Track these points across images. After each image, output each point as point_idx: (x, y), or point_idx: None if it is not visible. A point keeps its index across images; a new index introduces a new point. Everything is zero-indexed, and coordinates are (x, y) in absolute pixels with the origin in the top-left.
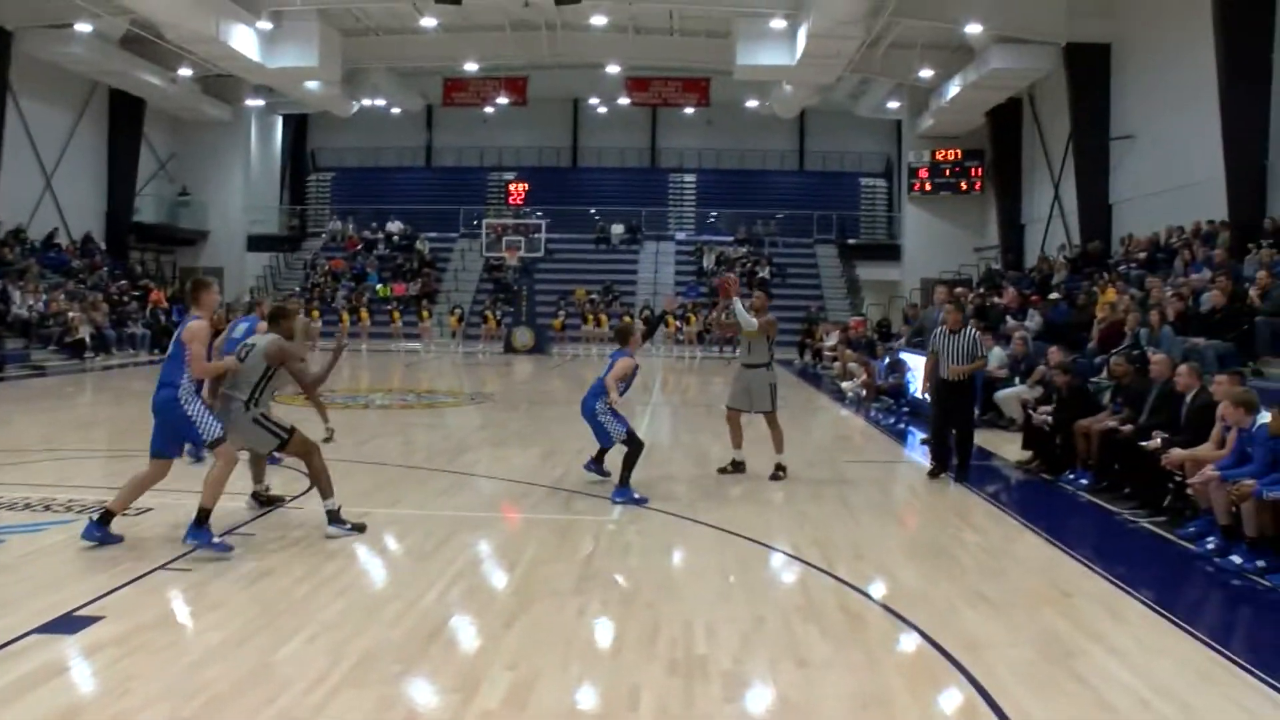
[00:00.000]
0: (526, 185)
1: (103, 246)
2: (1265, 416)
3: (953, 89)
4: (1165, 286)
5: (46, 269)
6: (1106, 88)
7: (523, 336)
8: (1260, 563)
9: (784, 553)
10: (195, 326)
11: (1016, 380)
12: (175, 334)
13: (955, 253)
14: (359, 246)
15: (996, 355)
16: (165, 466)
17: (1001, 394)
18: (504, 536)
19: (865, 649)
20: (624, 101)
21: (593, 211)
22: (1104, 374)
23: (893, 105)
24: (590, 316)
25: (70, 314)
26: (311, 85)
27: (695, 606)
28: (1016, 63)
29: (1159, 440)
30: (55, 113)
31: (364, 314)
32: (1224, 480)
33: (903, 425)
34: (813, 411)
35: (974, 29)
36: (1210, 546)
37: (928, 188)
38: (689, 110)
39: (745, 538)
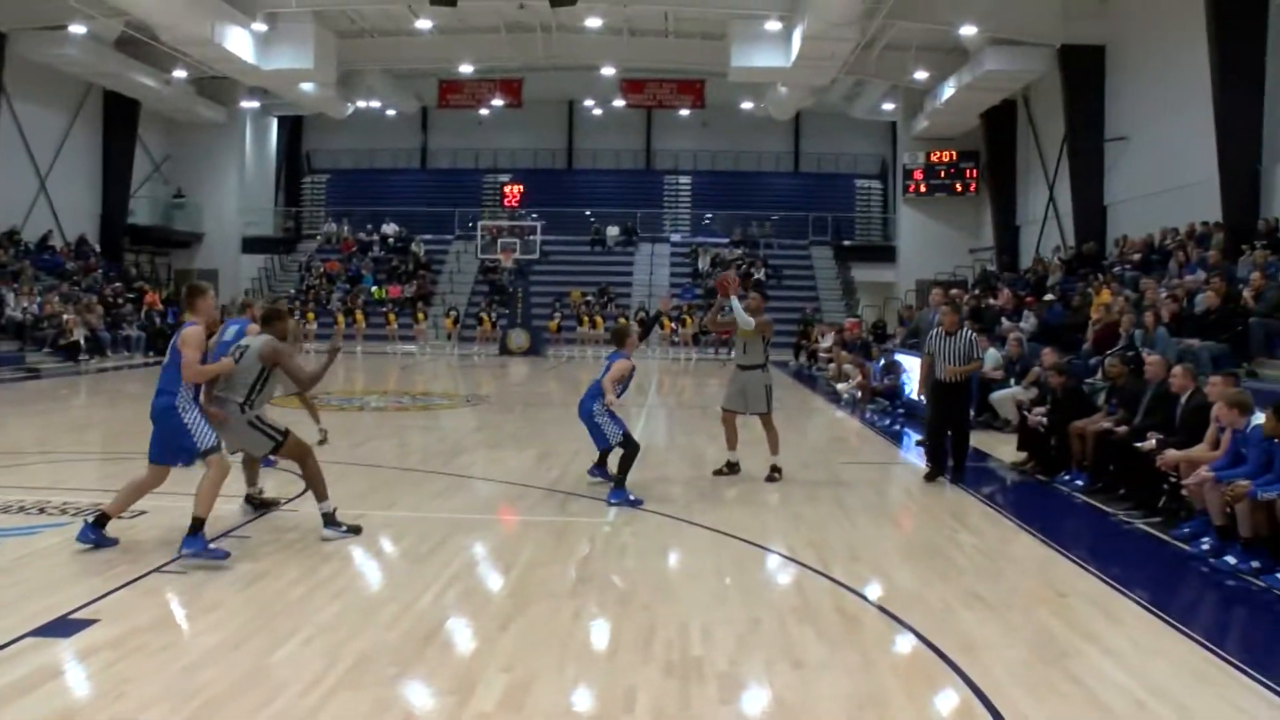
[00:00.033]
0: (522, 187)
1: (97, 248)
2: (1259, 417)
3: (947, 91)
4: (1160, 288)
5: (41, 271)
6: (1101, 89)
7: (518, 338)
8: (1255, 563)
9: (780, 554)
10: (189, 332)
11: (1012, 381)
12: (172, 340)
13: (950, 254)
14: (354, 248)
15: (992, 357)
16: (163, 473)
17: (997, 395)
18: (500, 538)
19: (861, 650)
20: (619, 103)
21: (588, 213)
22: (1099, 375)
23: (888, 107)
24: (586, 318)
25: (65, 316)
26: (306, 87)
27: (691, 608)
28: (1011, 64)
29: (1154, 441)
30: (50, 114)
31: (359, 316)
32: (1219, 481)
33: (898, 427)
34: (808, 413)
35: (969, 31)
36: (1205, 547)
37: (923, 189)
38: (684, 112)
39: (741, 539)
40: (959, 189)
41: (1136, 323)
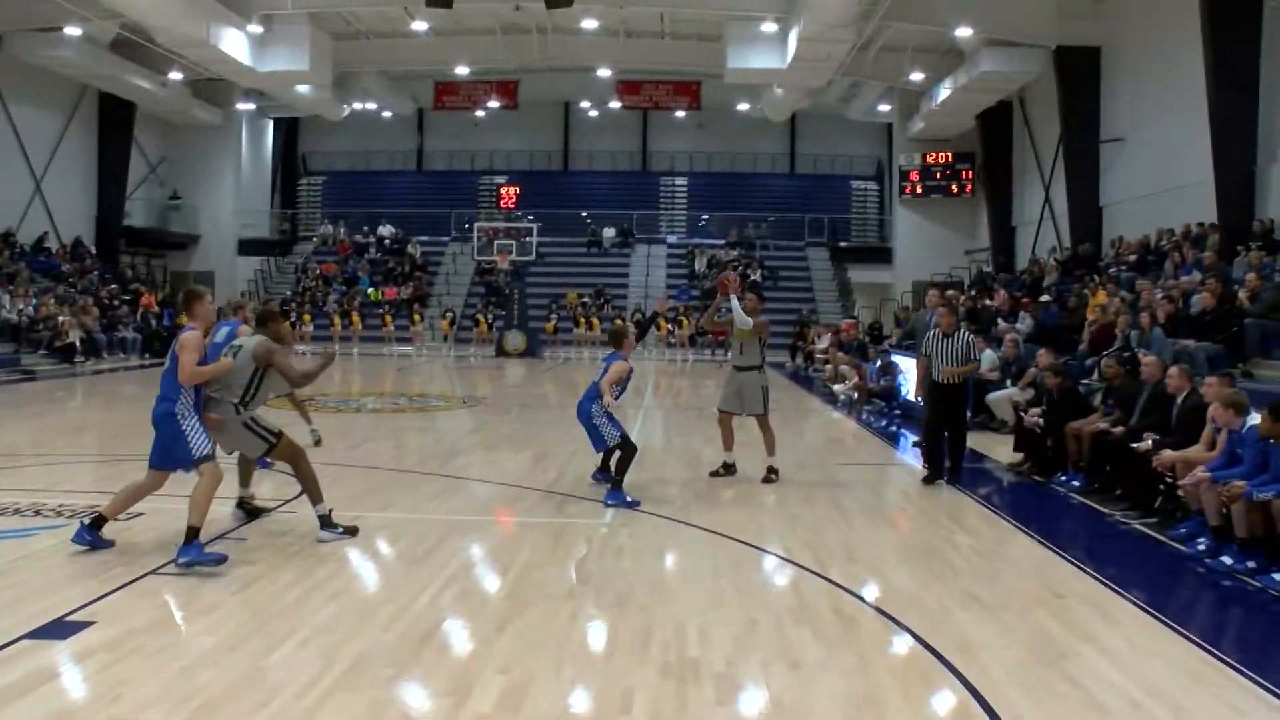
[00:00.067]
0: (518, 189)
1: (93, 250)
2: (1255, 418)
3: (943, 92)
4: (1155, 289)
5: (36, 273)
6: (1096, 91)
7: (514, 340)
8: (1251, 563)
9: (776, 555)
10: (187, 336)
11: (1008, 382)
12: (171, 346)
13: (946, 255)
14: (350, 250)
15: (988, 358)
16: (162, 478)
17: (993, 396)
18: (497, 540)
19: (858, 651)
20: (615, 105)
21: (584, 215)
22: (1095, 376)
23: (883, 108)
24: (582, 320)
25: (60, 318)
26: (302, 89)
27: (688, 609)
28: (1007, 66)
29: (1150, 442)
30: (45, 116)
31: (355, 318)
32: (1214, 481)
33: (894, 428)
34: (804, 414)
35: (964, 32)
36: (1201, 548)
37: (919, 190)
38: (680, 113)
39: (738, 541)
40: (955, 190)
41: (1132, 324)
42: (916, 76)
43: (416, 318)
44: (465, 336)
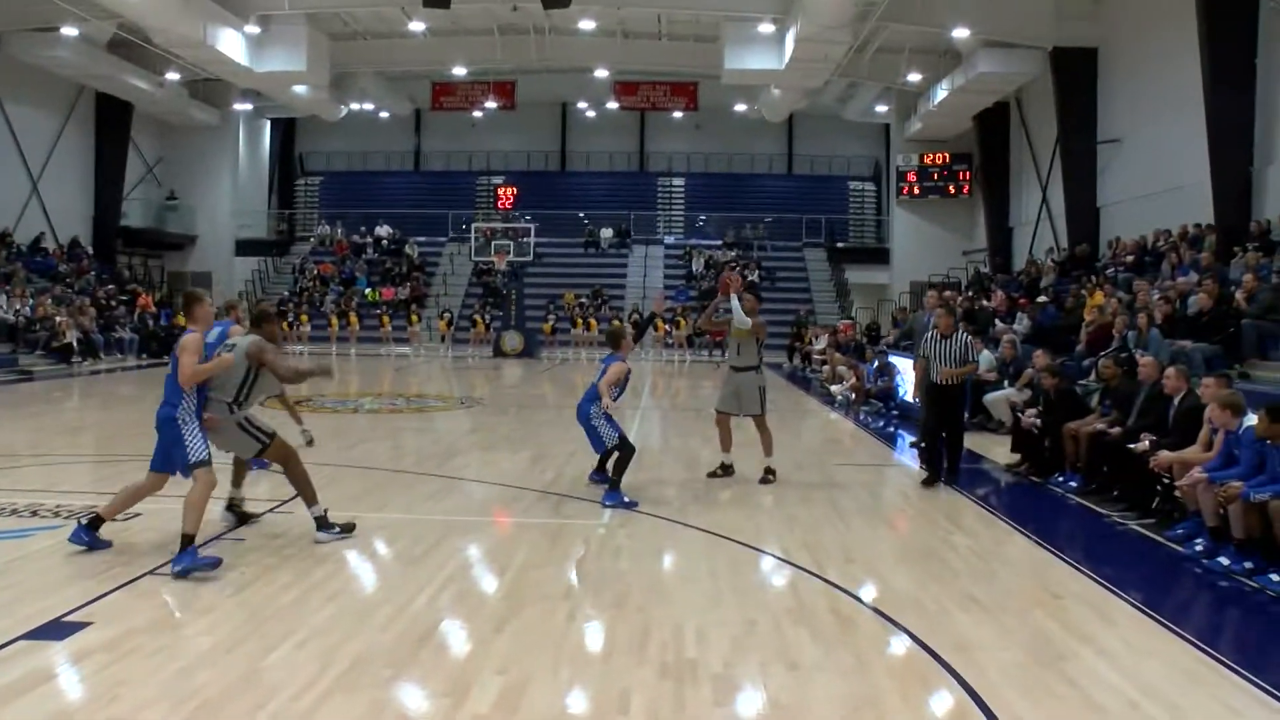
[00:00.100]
0: (515, 189)
1: (90, 251)
2: (1252, 418)
3: (940, 93)
4: (1152, 289)
5: (33, 273)
6: (1093, 92)
7: (512, 340)
8: (1248, 564)
9: (774, 556)
10: (188, 339)
11: (1005, 383)
12: (173, 349)
13: (943, 256)
14: (347, 251)
15: (986, 359)
16: (161, 480)
17: (990, 397)
18: (494, 540)
19: (856, 652)
20: (612, 105)
21: (581, 215)
22: (1092, 377)
23: (881, 109)
24: (580, 320)
25: (57, 318)
26: (299, 89)
27: (686, 610)
28: (1004, 67)
29: (1147, 443)
30: (41, 116)
31: (353, 318)
32: (1212, 482)
33: (892, 428)
34: (802, 415)
35: (961, 33)
36: (1198, 548)
37: (916, 191)
38: (677, 114)
39: (735, 541)
40: (952, 191)
41: (1129, 324)
42: (914, 77)
43: (414, 318)
44: (463, 337)
